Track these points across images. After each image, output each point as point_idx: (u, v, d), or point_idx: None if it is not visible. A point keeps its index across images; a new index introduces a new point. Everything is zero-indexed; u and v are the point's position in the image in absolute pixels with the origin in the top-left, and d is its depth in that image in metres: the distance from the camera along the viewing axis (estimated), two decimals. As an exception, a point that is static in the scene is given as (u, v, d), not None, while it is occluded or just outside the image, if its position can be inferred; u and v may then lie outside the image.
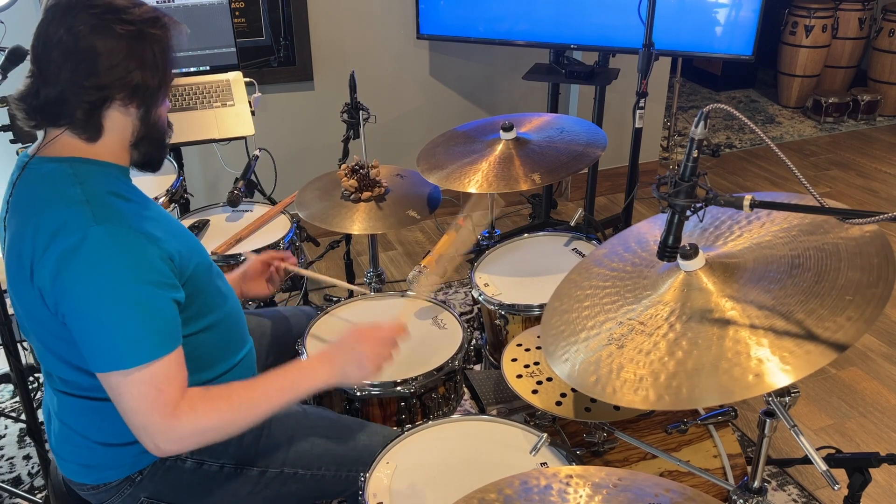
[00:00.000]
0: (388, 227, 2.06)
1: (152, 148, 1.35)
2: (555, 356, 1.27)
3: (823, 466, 1.11)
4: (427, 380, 1.66)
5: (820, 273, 1.14)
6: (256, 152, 2.56)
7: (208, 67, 2.67)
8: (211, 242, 2.18)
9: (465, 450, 1.45)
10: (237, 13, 3.15)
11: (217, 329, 1.41)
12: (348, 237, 2.71)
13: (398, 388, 1.63)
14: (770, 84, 5.73)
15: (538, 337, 1.77)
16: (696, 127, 1.11)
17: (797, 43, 5.13)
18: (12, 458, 2.36)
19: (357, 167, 2.10)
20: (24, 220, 1.24)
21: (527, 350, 1.74)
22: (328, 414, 1.57)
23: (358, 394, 1.64)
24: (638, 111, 2.77)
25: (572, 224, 2.22)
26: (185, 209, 2.52)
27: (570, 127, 2.21)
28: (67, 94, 1.21)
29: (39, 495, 2.20)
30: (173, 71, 1.31)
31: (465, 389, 1.97)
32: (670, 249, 1.19)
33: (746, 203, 1.10)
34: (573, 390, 1.57)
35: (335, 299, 2.17)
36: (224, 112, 2.53)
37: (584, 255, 2.03)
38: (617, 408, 1.52)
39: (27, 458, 2.35)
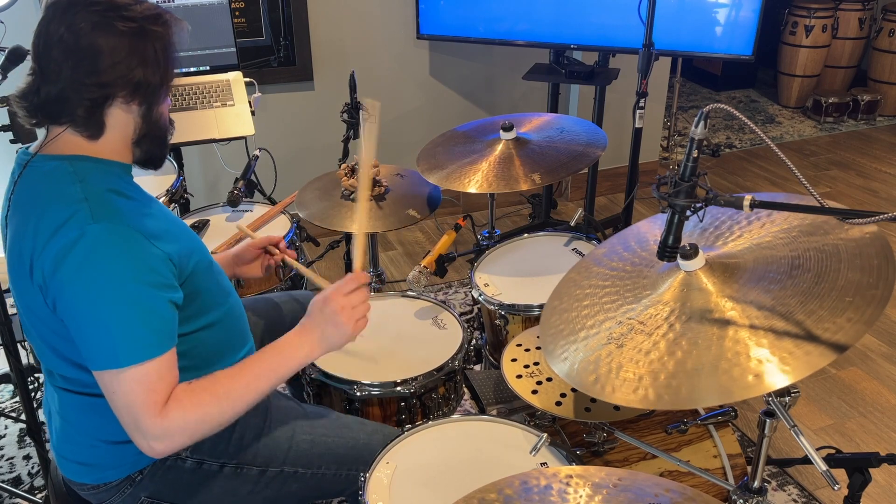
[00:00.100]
0: (388, 227, 2.06)
1: (154, 145, 1.34)
2: (554, 355, 1.27)
3: (823, 466, 1.11)
4: (427, 380, 1.66)
5: (820, 274, 1.14)
6: (256, 152, 2.57)
7: (208, 67, 2.67)
8: (211, 242, 2.17)
9: (465, 450, 1.45)
10: (237, 13, 3.15)
11: (218, 327, 1.41)
12: (348, 237, 2.71)
13: (398, 388, 1.63)
14: (770, 84, 5.72)
15: (538, 337, 1.77)
16: (696, 127, 1.11)
17: (797, 43, 5.13)
18: (12, 458, 2.36)
19: (357, 167, 2.10)
20: (24, 218, 1.24)
21: (527, 350, 1.74)
22: (328, 413, 1.57)
23: (358, 394, 1.64)
24: (638, 111, 2.77)
25: (572, 224, 2.21)
26: (185, 209, 2.52)
27: (570, 127, 2.21)
28: (68, 91, 1.21)
29: (39, 495, 2.19)
30: (175, 69, 1.31)
31: (465, 389, 1.97)
32: (670, 249, 1.19)
33: (746, 203, 1.10)
34: (573, 390, 1.57)
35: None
36: (224, 112, 2.53)
37: (583, 256, 2.03)
38: (617, 408, 1.52)
39: (27, 458, 2.35)
